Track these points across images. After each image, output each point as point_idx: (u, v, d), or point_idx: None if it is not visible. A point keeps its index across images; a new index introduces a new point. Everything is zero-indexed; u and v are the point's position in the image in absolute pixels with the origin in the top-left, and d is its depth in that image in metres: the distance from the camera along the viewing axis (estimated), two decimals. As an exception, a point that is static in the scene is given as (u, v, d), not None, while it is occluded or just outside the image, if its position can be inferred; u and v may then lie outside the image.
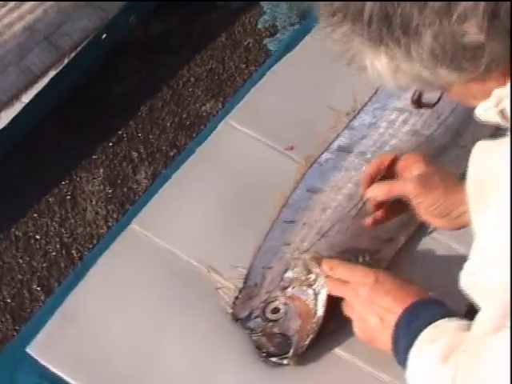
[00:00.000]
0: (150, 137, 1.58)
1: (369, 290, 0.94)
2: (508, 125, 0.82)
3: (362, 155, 1.21)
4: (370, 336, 0.94)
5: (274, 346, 1.01)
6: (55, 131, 1.58)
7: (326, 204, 1.17)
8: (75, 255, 1.38)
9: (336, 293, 0.99)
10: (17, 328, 1.31)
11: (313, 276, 1.03)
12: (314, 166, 1.24)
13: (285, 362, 1.00)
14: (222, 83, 1.53)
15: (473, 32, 0.69)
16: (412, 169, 1.01)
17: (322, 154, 1.24)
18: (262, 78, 1.37)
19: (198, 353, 1.06)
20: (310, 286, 1.02)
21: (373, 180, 1.04)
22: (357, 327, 0.96)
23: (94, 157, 1.54)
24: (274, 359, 1.01)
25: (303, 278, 1.04)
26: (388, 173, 1.04)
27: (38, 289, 1.35)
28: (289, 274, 1.07)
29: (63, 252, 1.39)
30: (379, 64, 0.75)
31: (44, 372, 1.08)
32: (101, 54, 1.68)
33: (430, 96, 0.90)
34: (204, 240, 1.19)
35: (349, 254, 1.06)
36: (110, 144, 1.56)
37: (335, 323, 1.00)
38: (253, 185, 1.25)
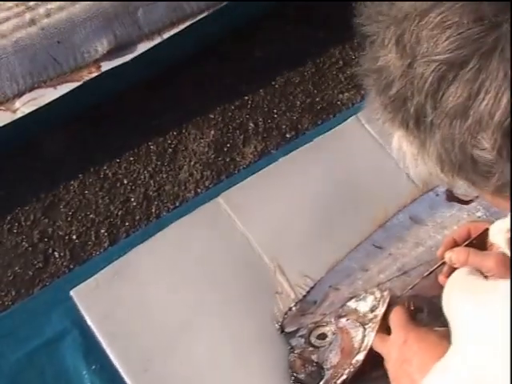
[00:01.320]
0: (274, 111, 1.59)
1: (398, 351, 0.95)
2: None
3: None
4: None
5: (305, 374, 1.03)
6: (184, 80, 1.63)
7: (422, 240, 1.16)
8: (153, 211, 1.43)
9: (375, 346, 1.00)
10: (71, 267, 1.39)
11: (371, 315, 1.02)
12: (428, 193, 1.22)
13: (311, 393, 1.02)
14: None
15: (484, 146, 0.67)
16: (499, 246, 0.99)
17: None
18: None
19: (229, 351, 1.09)
20: (363, 324, 1.02)
21: (455, 244, 1.03)
22: None
23: (210, 115, 1.57)
24: (301, 386, 1.03)
25: (362, 313, 1.04)
26: (475, 242, 1.02)
27: (105, 234, 1.42)
28: (352, 304, 1.07)
29: (143, 204, 1.45)
30: (404, 145, 0.76)
31: (78, 319, 1.14)
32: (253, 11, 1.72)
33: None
34: (285, 238, 1.21)
35: (418, 303, 1.04)
36: (232, 107, 1.59)
37: (377, 373, 0.99)
38: (358, 193, 1.25)
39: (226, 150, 1.52)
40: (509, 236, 0.82)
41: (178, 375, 1.08)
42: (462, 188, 0.76)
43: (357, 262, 1.15)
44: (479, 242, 1.01)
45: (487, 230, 1.02)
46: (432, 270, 1.06)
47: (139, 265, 1.19)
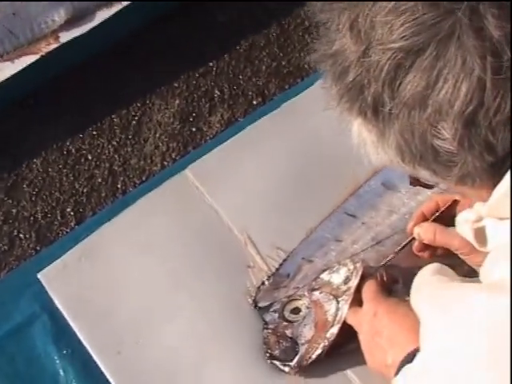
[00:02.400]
0: (240, 77, 1.57)
1: (369, 324, 0.95)
2: (479, 247, 0.83)
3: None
4: (378, 369, 0.94)
5: (280, 350, 1.03)
6: (145, 49, 1.60)
7: (395, 208, 1.15)
8: (119, 187, 1.42)
9: (348, 319, 1.00)
10: (37, 249, 1.37)
11: (344, 288, 1.02)
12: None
13: (286, 369, 1.02)
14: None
15: (445, 136, 0.67)
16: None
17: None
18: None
19: (202, 329, 1.09)
20: (336, 297, 1.02)
21: (424, 218, 1.03)
22: (366, 358, 0.96)
23: (175, 84, 1.55)
24: (276, 363, 1.03)
25: (335, 285, 1.03)
26: (444, 215, 1.02)
27: (72, 214, 1.40)
28: (325, 276, 1.07)
29: (109, 180, 1.43)
30: (364, 132, 0.75)
31: (46, 303, 1.13)
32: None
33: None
34: (254, 209, 1.20)
35: (393, 274, 1.04)
36: (196, 75, 1.57)
37: (352, 346, 0.99)
38: (329, 159, 1.23)
39: (191, 119, 1.51)
40: (476, 227, 0.81)
41: (152, 356, 1.07)
42: (424, 177, 0.76)
43: (330, 231, 1.14)
44: (448, 215, 1.01)
45: (456, 202, 1.02)
46: (403, 244, 1.06)
47: (107, 244, 1.18)
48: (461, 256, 0.98)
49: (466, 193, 0.76)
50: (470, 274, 0.93)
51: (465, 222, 0.84)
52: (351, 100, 0.71)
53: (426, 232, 1.01)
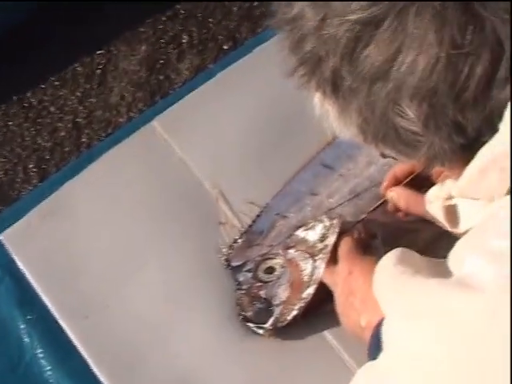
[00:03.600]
0: (210, 20, 1.51)
1: (343, 283, 0.92)
2: (450, 228, 0.80)
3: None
4: (352, 330, 0.91)
5: (253, 312, 1.00)
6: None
7: (374, 158, 1.11)
8: (84, 141, 1.37)
9: (324, 278, 0.97)
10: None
11: (321, 245, 0.98)
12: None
13: (260, 331, 0.99)
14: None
15: (408, 116, 0.64)
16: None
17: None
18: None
19: (172, 290, 1.06)
20: (312, 255, 0.98)
21: (398, 180, 0.99)
22: (340, 319, 0.93)
23: (140, 29, 1.49)
24: (250, 325, 1.00)
25: (311, 243, 1.00)
26: (418, 178, 0.98)
27: (34, 170, 1.36)
28: (300, 233, 1.03)
29: (73, 134, 1.39)
30: (326, 105, 0.72)
31: (10, 266, 1.10)
32: None
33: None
34: (226, 162, 1.16)
35: (371, 229, 1.01)
36: (163, 18, 1.51)
37: (329, 306, 0.95)
38: (304, 108, 1.19)
39: (158, 67, 1.45)
40: (447, 204, 0.77)
41: (121, 320, 1.04)
42: (390, 156, 0.72)
43: (305, 184, 1.11)
44: (422, 178, 0.97)
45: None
46: (377, 205, 1.02)
47: (73, 201, 1.14)
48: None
49: (437, 170, 0.73)
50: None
51: (435, 198, 0.81)
52: (309, 73, 0.68)
53: (398, 198, 0.98)
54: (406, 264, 0.74)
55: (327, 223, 1.00)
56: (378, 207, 1.03)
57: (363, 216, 1.02)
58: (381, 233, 1.00)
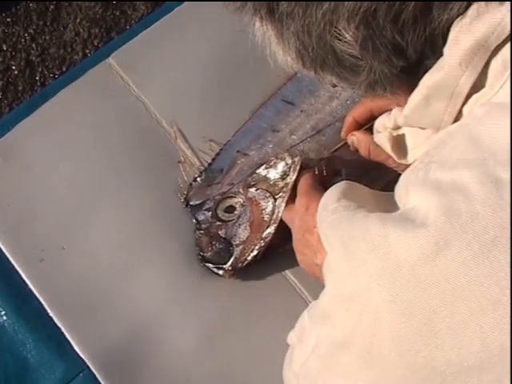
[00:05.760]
0: None
1: (300, 220, 0.89)
2: (397, 159, 0.78)
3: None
4: (308, 268, 0.89)
5: (213, 252, 0.98)
6: None
7: (336, 92, 1.08)
8: (38, 79, 1.33)
9: (283, 216, 0.95)
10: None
11: (282, 184, 0.96)
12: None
13: (220, 272, 0.97)
14: None
15: (346, 38, 0.61)
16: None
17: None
18: None
19: (129, 230, 1.03)
20: (273, 194, 0.96)
21: (357, 125, 0.97)
22: (297, 256, 0.91)
23: (95, -39, 1.45)
24: (209, 265, 0.98)
25: (272, 181, 0.98)
26: None
27: (-14, 112, 1.32)
28: (261, 171, 1.01)
29: (26, 72, 1.34)
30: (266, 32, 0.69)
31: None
32: None
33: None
34: (185, 99, 1.13)
35: (335, 165, 0.98)
36: None
37: (289, 246, 0.93)
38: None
39: (114, 2, 1.40)
40: (394, 134, 0.75)
41: (77, 262, 1.02)
42: (331, 83, 0.69)
43: (266, 121, 1.08)
44: None
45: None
46: (338, 147, 0.99)
47: (26, 142, 1.11)
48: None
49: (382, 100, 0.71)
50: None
51: (383, 128, 0.78)
52: None
53: (359, 144, 0.95)
54: (350, 198, 0.70)
55: (289, 161, 0.98)
56: (342, 146, 1.01)
57: (327, 153, 1.00)
58: (344, 169, 0.97)
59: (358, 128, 0.97)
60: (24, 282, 1.01)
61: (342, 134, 0.99)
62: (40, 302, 1.00)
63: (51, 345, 0.98)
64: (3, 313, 1.00)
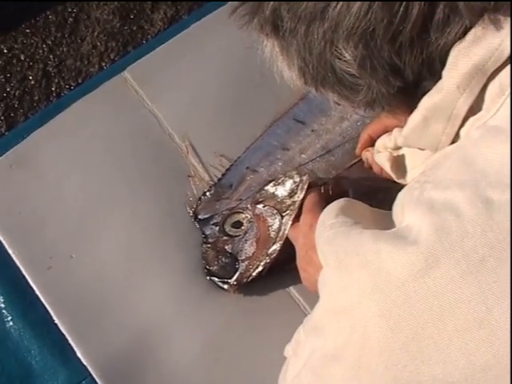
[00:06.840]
0: (188, -34, 1.49)
1: (304, 237, 0.90)
2: (396, 179, 0.80)
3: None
4: (312, 286, 0.88)
5: (218, 266, 0.99)
6: None
7: (347, 114, 1.10)
8: (54, 90, 1.35)
9: (289, 234, 0.95)
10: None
11: (289, 201, 0.97)
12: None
13: (225, 286, 0.98)
14: None
15: (345, 58, 0.63)
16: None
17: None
18: None
19: (139, 241, 1.04)
20: (281, 211, 0.97)
21: (372, 141, 0.97)
22: (300, 274, 0.92)
23: (115, -22, 1.47)
24: (214, 279, 0.99)
25: (280, 198, 0.99)
26: None
27: (2, 118, 1.33)
28: (269, 188, 1.02)
29: (43, 82, 1.36)
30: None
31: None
32: None
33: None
34: (197, 114, 1.14)
35: (343, 185, 0.99)
36: (139, -35, 1.48)
37: (294, 263, 0.94)
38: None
39: (132, 16, 1.42)
40: (394, 155, 0.76)
41: (85, 271, 1.03)
42: (333, 100, 0.71)
43: (277, 139, 1.09)
44: None
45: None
46: (351, 164, 1.01)
47: (40, 151, 1.12)
48: None
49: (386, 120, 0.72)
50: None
51: (383, 148, 0.79)
52: (250, 12, 0.67)
53: (373, 160, 0.95)
54: (348, 214, 0.71)
55: (297, 179, 0.99)
56: (352, 166, 1.02)
57: (336, 173, 1.01)
58: (352, 190, 0.98)
59: (372, 145, 0.97)
60: (31, 288, 1.02)
61: (357, 150, 1.00)
62: (46, 309, 1.01)
63: (55, 351, 0.99)
64: (10, 318, 1.01)
